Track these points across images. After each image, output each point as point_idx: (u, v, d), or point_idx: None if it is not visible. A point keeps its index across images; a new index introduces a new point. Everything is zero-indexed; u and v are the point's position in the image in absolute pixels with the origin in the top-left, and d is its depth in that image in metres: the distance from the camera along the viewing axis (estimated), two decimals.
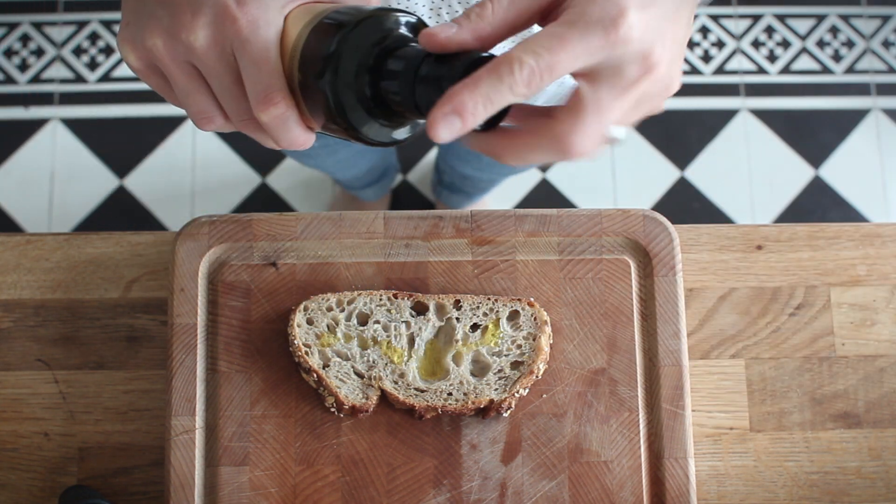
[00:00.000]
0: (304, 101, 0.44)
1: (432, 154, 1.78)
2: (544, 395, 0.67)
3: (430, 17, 0.63)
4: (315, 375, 0.65)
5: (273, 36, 0.43)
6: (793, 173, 1.80)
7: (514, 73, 0.37)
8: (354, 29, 0.41)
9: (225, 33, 0.42)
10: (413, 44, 0.42)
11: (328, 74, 0.41)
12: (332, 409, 0.65)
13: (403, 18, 0.43)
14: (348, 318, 0.67)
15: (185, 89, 0.45)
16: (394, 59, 0.41)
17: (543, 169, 1.78)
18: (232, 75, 0.43)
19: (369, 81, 0.42)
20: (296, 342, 0.65)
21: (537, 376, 0.66)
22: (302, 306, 0.66)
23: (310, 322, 0.66)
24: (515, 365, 0.66)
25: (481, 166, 1.07)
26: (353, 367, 0.66)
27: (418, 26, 0.44)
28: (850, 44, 1.85)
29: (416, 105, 0.41)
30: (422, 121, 0.44)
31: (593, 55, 0.38)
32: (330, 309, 0.67)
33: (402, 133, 0.45)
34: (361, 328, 0.67)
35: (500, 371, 0.66)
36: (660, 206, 1.77)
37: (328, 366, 0.66)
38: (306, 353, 0.65)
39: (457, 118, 0.38)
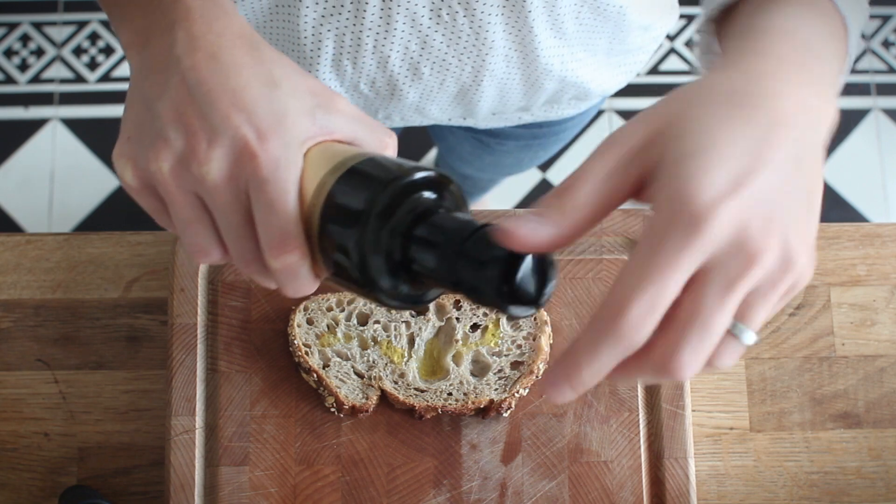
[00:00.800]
0: (318, 251, 0.40)
1: (432, 154, 1.78)
2: (544, 395, 0.67)
3: (430, 18, 0.63)
4: (315, 375, 0.65)
5: (294, 178, 0.39)
6: None
7: (623, 325, 0.32)
8: (388, 187, 0.37)
9: (242, 169, 0.39)
10: (443, 210, 0.38)
11: (355, 232, 0.37)
12: (332, 409, 0.65)
13: (433, 175, 0.39)
14: (348, 318, 0.67)
15: (187, 220, 0.41)
16: (430, 228, 0.37)
17: (543, 168, 1.78)
18: (243, 214, 0.40)
19: (400, 246, 0.38)
20: (296, 342, 0.65)
21: (537, 376, 0.66)
22: (302, 306, 0.66)
23: (310, 322, 0.66)
24: (515, 365, 0.66)
25: (482, 166, 1.06)
26: (353, 367, 0.66)
27: (441, 182, 0.40)
28: None
29: (455, 281, 0.37)
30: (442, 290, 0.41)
31: (686, 262, 0.33)
32: (330, 309, 0.67)
33: (420, 300, 0.41)
34: (361, 328, 0.67)
35: (500, 371, 0.66)
36: None
37: (328, 366, 0.66)
38: (306, 353, 0.65)
39: (575, 382, 0.34)
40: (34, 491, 0.68)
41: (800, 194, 0.35)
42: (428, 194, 0.39)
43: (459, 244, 0.36)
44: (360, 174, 0.39)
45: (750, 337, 0.36)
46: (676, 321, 0.34)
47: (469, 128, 0.93)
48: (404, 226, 0.38)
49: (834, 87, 0.40)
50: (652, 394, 0.67)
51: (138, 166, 0.41)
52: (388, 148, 0.44)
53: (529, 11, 0.63)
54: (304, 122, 0.40)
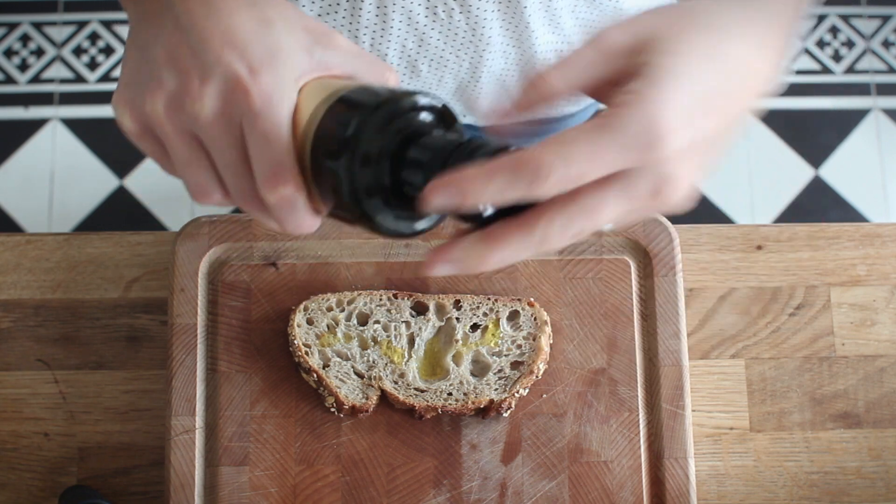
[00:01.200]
0: (314, 184, 0.40)
1: None
2: (544, 395, 0.67)
3: (426, 16, 0.63)
4: (315, 375, 0.65)
5: (286, 111, 0.39)
6: (793, 173, 1.80)
7: (540, 177, 0.34)
8: (376, 111, 0.37)
9: (235, 105, 0.39)
10: (438, 131, 0.39)
11: (344, 158, 0.37)
12: (332, 409, 0.65)
13: (427, 101, 0.39)
14: (348, 318, 0.67)
15: (185, 160, 0.41)
16: (418, 148, 0.38)
17: None
18: (238, 150, 0.40)
19: (389, 169, 0.38)
20: (296, 342, 0.65)
21: (537, 376, 0.66)
22: (302, 306, 0.66)
23: (310, 322, 0.66)
24: (515, 365, 0.66)
25: None
26: (353, 367, 0.66)
27: (443, 112, 0.40)
28: (850, 44, 1.85)
29: None
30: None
31: (621, 166, 0.36)
32: (330, 309, 0.67)
33: (417, 225, 0.41)
34: (361, 328, 0.67)
35: (500, 371, 0.66)
36: None
37: (328, 366, 0.65)
38: (306, 353, 0.65)
39: (456, 191, 0.35)
40: (34, 491, 0.68)
41: (722, 146, 0.40)
42: (423, 116, 0.39)
43: (443, 160, 0.36)
44: (350, 101, 0.39)
45: (609, 225, 0.41)
46: (571, 198, 0.36)
47: (469, 125, 0.93)
48: (392, 147, 0.38)
49: (781, 52, 0.44)
50: (652, 394, 0.67)
51: (135, 110, 0.41)
52: (388, 82, 0.44)
53: (525, 7, 0.63)
54: (300, 58, 0.40)
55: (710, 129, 0.38)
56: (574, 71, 0.40)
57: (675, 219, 0.72)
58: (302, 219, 0.41)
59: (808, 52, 1.85)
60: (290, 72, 0.40)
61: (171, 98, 0.40)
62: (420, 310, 0.68)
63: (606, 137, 0.35)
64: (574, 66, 0.40)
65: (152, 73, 0.41)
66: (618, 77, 0.39)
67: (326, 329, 0.66)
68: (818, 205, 1.78)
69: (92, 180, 1.75)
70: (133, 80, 0.42)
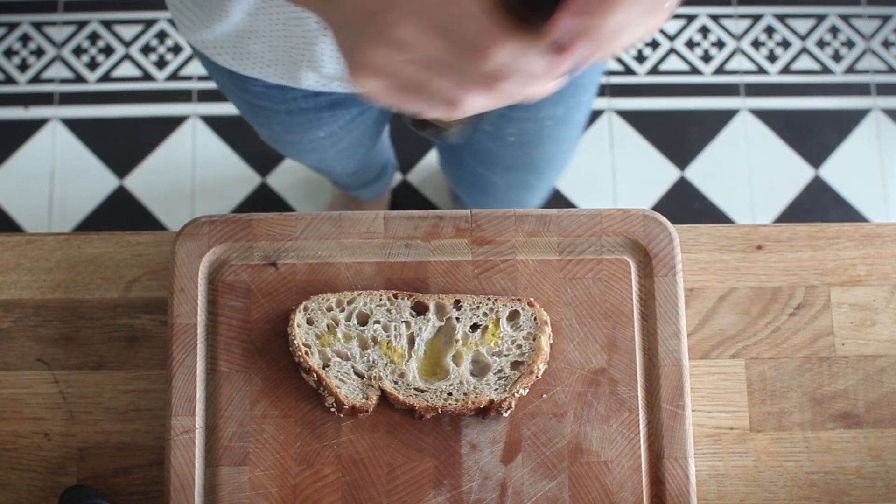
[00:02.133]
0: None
1: (434, 153, 1.78)
2: (544, 395, 0.67)
3: None
4: (315, 375, 0.65)
5: None
6: (793, 173, 1.80)
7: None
8: None
9: (432, 16, 0.41)
10: None
11: None
12: (332, 410, 0.65)
13: None
14: (348, 318, 0.67)
15: (420, 81, 0.44)
16: None
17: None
18: (447, 45, 0.42)
19: None
20: (296, 342, 0.65)
21: (537, 376, 0.66)
22: (302, 306, 0.66)
23: (310, 322, 0.66)
24: (515, 365, 0.66)
25: (483, 160, 1.06)
26: (352, 367, 0.66)
27: None
28: (850, 44, 1.85)
29: None
30: None
31: None
32: (330, 309, 0.67)
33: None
34: (361, 328, 0.67)
35: (500, 371, 0.66)
36: (660, 206, 1.77)
37: (328, 366, 0.66)
38: (306, 353, 0.65)
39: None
40: (34, 491, 0.68)
41: None
42: None
43: None
44: None
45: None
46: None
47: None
48: None
49: None
50: (652, 394, 0.67)
51: (367, 70, 0.44)
52: None
53: None
54: None
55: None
56: None
57: (675, 219, 0.72)
58: (532, 63, 0.42)
59: (808, 52, 1.85)
60: None
61: (380, 41, 0.42)
62: (420, 310, 0.68)
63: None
64: None
65: (356, 30, 0.43)
66: None
67: (326, 329, 0.66)
68: (818, 205, 1.78)
69: (92, 180, 1.75)
70: (350, 49, 0.44)
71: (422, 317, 0.67)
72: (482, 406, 0.65)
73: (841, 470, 0.70)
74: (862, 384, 0.72)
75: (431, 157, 1.78)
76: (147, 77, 1.79)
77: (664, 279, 0.69)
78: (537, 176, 1.06)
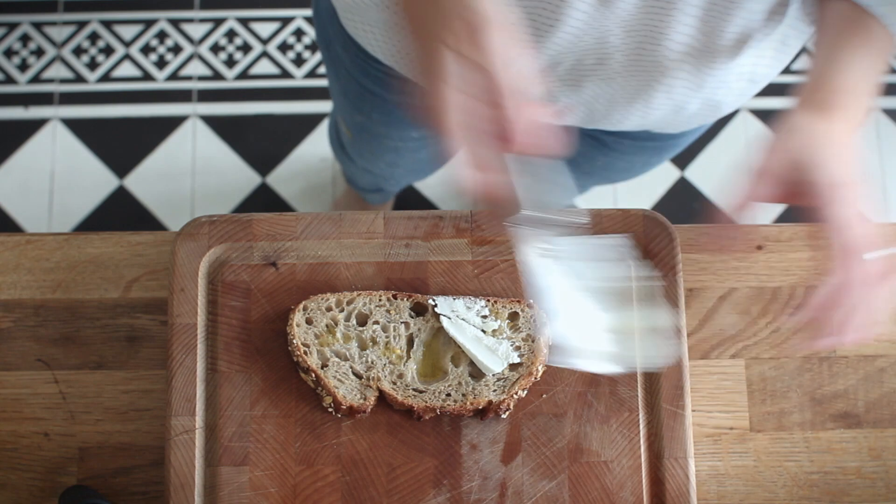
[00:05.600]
0: None
1: None
2: (544, 395, 0.67)
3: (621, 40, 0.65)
4: (313, 375, 0.65)
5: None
6: None
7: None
8: None
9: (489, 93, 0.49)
10: None
11: None
12: (330, 410, 0.65)
13: None
14: (347, 319, 0.67)
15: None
16: None
17: None
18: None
19: None
20: (295, 341, 0.65)
21: (536, 378, 0.66)
22: (301, 306, 0.66)
23: (309, 322, 0.66)
24: (514, 366, 0.66)
25: (591, 170, 1.03)
26: (351, 367, 0.66)
27: None
28: None
29: None
30: None
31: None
32: (329, 309, 0.67)
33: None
34: (360, 329, 0.67)
35: (499, 372, 0.66)
36: (660, 206, 1.77)
37: (326, 366, 0.65)
38: (305, 352, 0.65)
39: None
40: (34, 491, 0.68)
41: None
42: None
43: None
44: None
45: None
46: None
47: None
48: None
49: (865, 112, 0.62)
50: (652, 394, 0.67)
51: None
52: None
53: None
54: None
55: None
56: (753, 190, 0.57)
57: (675, 219, 0.72)
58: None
59: (807, 52, 1.85)
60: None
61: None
62: (419, 310, 0.68)
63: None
64: (750, 188, 0.58)
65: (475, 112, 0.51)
66: (789, 193, 0.58)
67: (325, 329, 0.66)
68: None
69: (92, 180, 1.75)
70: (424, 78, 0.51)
71: (421, 318, 0.67)
72: (481, 407, 0.65)
73: (841, 470, 0.70)
74: (862, 384, 0.72)
75: None
76: (147, 77, 1.79)
77: (664, 279, 0.69)
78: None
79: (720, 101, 0.75)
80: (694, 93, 0.72)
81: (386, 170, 1.14)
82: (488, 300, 0.67)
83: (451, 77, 0.49)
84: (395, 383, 0.65)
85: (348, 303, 0.67)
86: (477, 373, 0.66)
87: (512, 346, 0.66)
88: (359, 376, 0.66)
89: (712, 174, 1.79)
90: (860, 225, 0.56)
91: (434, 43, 0.49)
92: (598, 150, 0.95)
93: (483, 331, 0.66)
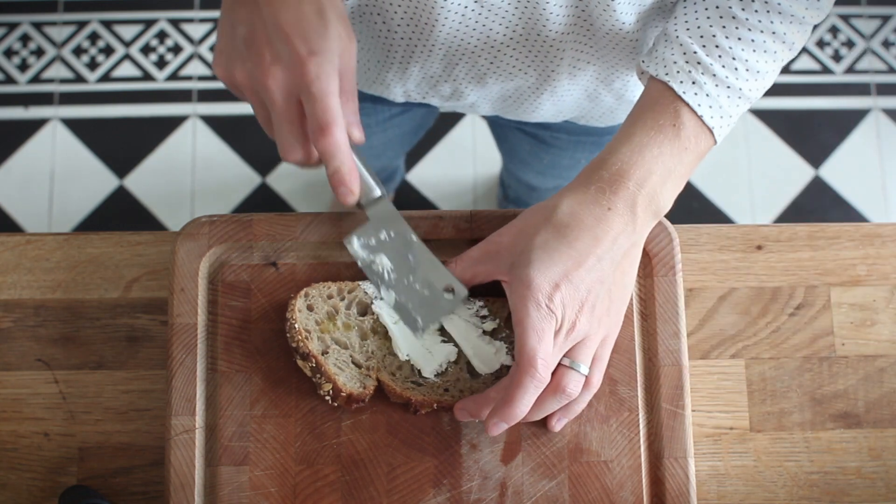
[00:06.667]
0: None
1: (435, 153, 1.78)
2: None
3: (504, 34, 0.68)
4: (313, 361, 0.64)
5: (335, 82, 0.54)
6: (793, 173, 1.80)
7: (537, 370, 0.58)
8: None
9: (295, 77, 0.53)
10: None
11: None
12: (328, 398, 0.65)
13: None
14: (348, 307, 0.67)
15: (264, 120, 0.58)
16: None
17: None
18: (295, 110, 0.55)
19: None
20: (296, 326, 0.64)
21: None
22: (303, 292, 0.66)
23: (310, 308, 0.66)
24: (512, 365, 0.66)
25: (542, 169, 1.07)
26: (351, 356, 0.65)
27: None
28: (850, 44, 1.85)
29: None
30: None
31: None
32: (330, 297, 0.66)
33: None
34: (361, 318, 0.67)
35: (496, 370, 0.66)
36: None
37: (327, 353, 0.65)
38: (306, 337, 0.65)
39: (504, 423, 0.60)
40: (34, 491, 0.68)
41: (600, 287, 0.59)
42: None
43: None
44: None
45: (584, 368, 0.61)
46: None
47: (520, 123, 0.94)
48: None
49: (653, 205, 0.60)
50: (652, 394, 0.67)
51: (227, 75, 0.57)
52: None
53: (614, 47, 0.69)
54: (342, 43, 0.55)
55: (581, 281, 0.58)
56: (462, 267, 0.64)
57: (675, 219, 0.72)
58: (346, 159, 0.56)
59: (808, 52, 1.85)
60: (335, 55, 0.54)
61: (251, 71, 0.55)
62: None
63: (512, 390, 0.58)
64: (462, 265, 0.64)
65: (237, 48, 0.55)
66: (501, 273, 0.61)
67: (326, 317, 0.66)
68: (818, 205, 1.78)
69: (92, 180, 1.75)
70: (225, 49, 0.56)
71: None
72: None
73: (841, 470, 0.70)
74: (862, 384, 0.72)
75: (434, 157, 1.78)
76: (147, 77, 1.79)
77: (664, 279, 0.69)
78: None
79: (624, 95, 0.78)
80: (603, 84, 0.75)
81: None
82: (487, 300, 0.67)
83: (282, 60, 0.54)
84: (393, 374, 0.65)
85: (349, 291, 0.67)
86: (475, 370, 0.66)
87: (510, 345, 0.66)
88: (358, 365, 0.66)
89: (712, 174, 1.79)
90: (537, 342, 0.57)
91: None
92: (540, 149, 0.99)
93: (483, 331, 0.66)
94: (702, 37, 0.59)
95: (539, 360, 0.57)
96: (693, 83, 0.58)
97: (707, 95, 0.58)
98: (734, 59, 0.59)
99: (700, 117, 0.58)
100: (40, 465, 0.69)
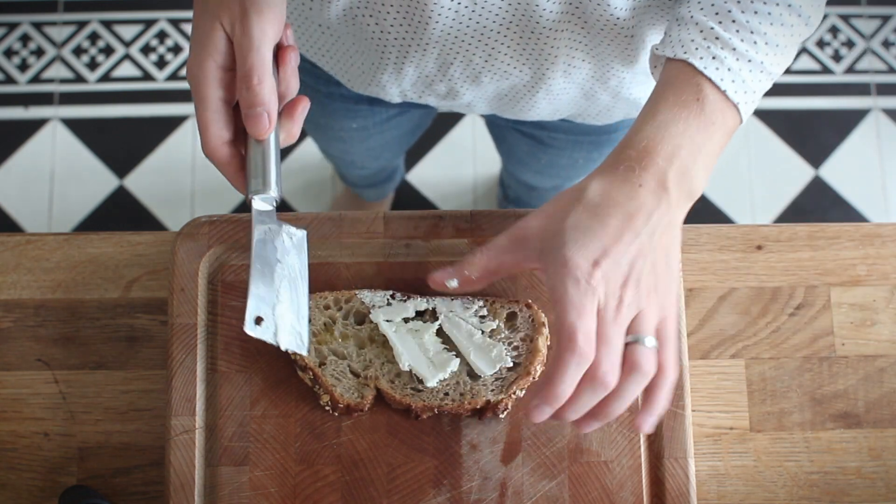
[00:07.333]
0: None
1: (435, 153, 1.78)
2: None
3: (499, 32, 0.67)
4: (311, 373, 0.65)
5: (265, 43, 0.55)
6: (793, 173, 1.80)
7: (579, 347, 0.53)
8: None
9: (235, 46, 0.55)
10: None
11: None
12: (328, 408, 0.65)
13: None
14: (345, 317, 0.67)
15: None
16: None
17: None
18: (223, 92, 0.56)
19: None
20: None
21: (534, 378, 0.66)
22: None
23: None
24: (512, 366, 0.66)
25: (540, 168, 1.07)
26: (349, 365, 0.66)
27: None
28: (850, 44, 1.85)
29: None
30: None
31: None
32: (327, 307, 0.67)
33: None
34: (358, 327, 0.67)
35: (496, 372, 0.66)
36: None
37: (324, 364, 0.65)
38: None
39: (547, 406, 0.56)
40: (34, 491, 0.68)
41: (643, 261, 0.55)
42: None
43: None
44: None
45: (650, 341, 0.55)
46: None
47: (517, 123, 0.94)
48: None
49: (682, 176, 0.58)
50: None
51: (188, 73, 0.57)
52: None
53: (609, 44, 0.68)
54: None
55: (623, 255, 0.54)
56: (490, 256, 0.60)
57: None
58: (271, 103, 0.55)
59: (808, 52, 1.85)
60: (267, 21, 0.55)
61: (190, 67, 0.56)
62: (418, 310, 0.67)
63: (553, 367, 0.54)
64: (492, 253, 0.60)
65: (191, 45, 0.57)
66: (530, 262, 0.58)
67: (323, 327, 0.66)
68: (818, 205, 1.78)
69: (92, 180, 1.75)
70: (192, 48, 0.57)
71: (420, 317, 0.67)
72: (479, 407, 0.65)
73: (841, 470, 0.70)
74: (862, 384, 0.72)
75: (434, 156, 1.78)
76: (147, 77, 1.79)
77: None
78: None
79: (638, 98, 0.78)
80: (599, 82, 0.74)
81: (345, 157, 1.18)
82: (486, 300, 0.67)
83: (217, 53, 0.55)
84: (392, 382, 0.65)
85: (346, 301, 0.67)
86: (475, 373, 0.66)
87: (509, 346, 0.66)
88: (356, 375, 0.66)
89: (713, 174, 1.79)
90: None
91: (212, 20, 0.55)
92: (538, 149, 0.99)
93: (482, 331, 0.66)
94: (717, 13, 0.57)
95: (580, 335, 0.53)
96: (713, 58, 0.56)
97: (729, 70, 0.56)
98: (752, 32, 0.57)
99: (724, 92, 0.56)
100: (40, 465, 0.69)
